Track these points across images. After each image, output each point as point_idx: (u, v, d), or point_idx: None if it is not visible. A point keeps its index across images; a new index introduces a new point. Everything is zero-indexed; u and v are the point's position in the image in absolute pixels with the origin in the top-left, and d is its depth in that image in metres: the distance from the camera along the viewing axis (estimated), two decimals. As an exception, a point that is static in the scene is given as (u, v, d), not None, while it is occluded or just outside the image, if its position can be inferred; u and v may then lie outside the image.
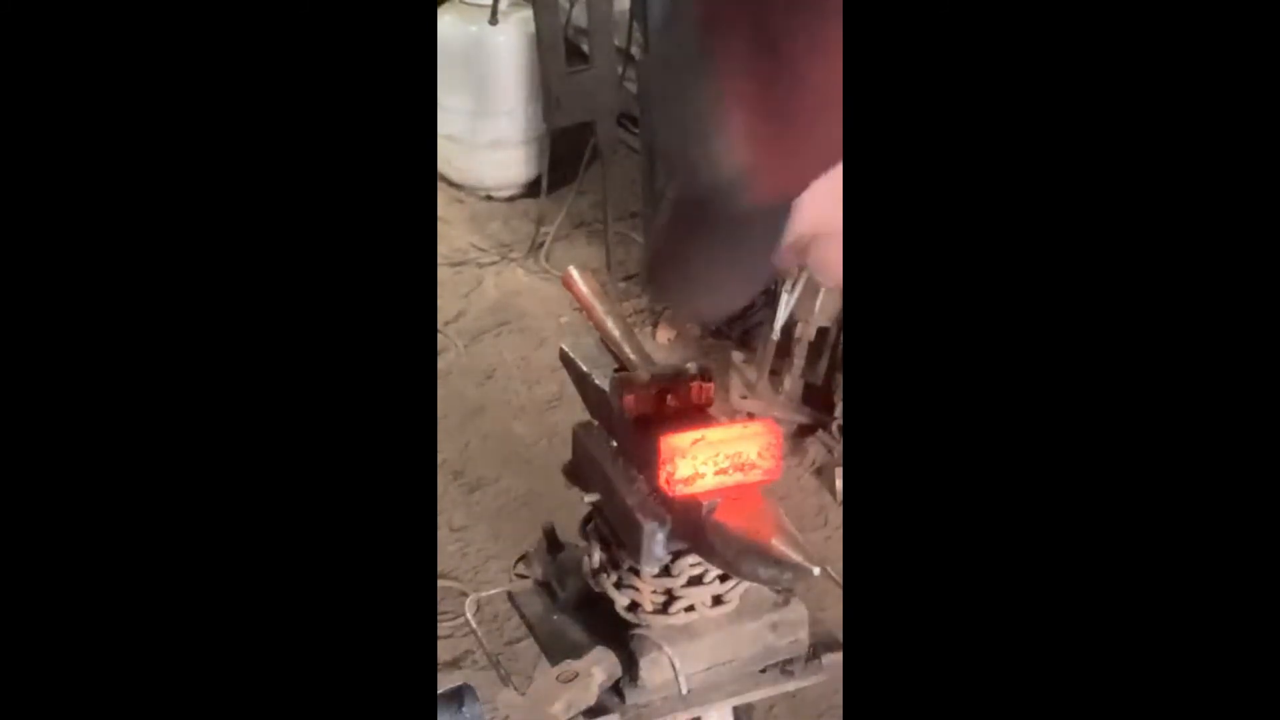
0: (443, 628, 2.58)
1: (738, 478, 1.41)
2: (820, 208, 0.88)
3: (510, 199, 4.45)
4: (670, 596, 1.52)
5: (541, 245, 4.13)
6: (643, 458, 1.47)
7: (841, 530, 2.86)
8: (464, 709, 1.39)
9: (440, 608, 2.56)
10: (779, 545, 1.33)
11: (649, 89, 0.88)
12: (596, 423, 1.61)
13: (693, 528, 1.40)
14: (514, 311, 3.89)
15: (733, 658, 1.55)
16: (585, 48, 3.88)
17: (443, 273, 3.98)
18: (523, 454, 3.28)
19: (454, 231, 4.26)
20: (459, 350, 3.69)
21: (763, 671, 1.57)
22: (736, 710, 1.62)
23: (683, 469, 1.40)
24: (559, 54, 3.75)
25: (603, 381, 1.56)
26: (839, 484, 3.06)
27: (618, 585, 1.54)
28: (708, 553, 1.42)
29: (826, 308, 3.12)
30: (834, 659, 1.56)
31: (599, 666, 1.48)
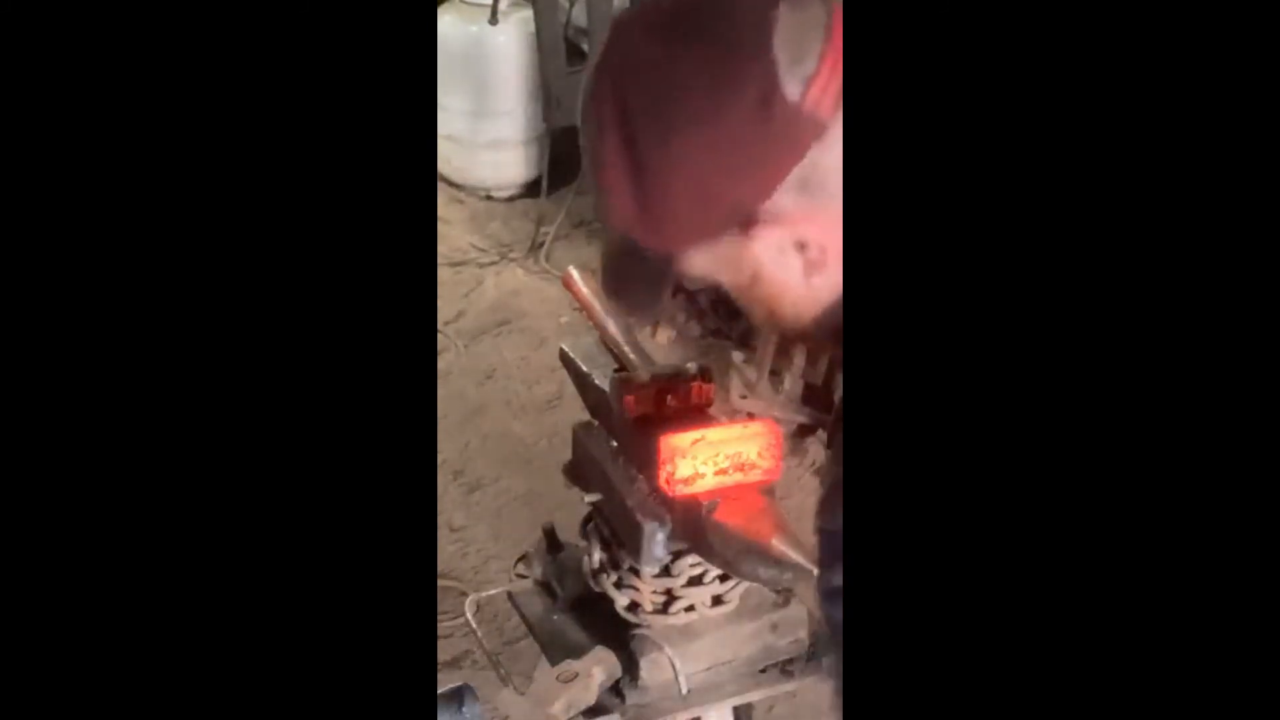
0: (443, 628, 2.58)
1: (738, 478, 1.41)
2: (708, 267, 1.03)
3: (510, 199, 4.44)
4: (670, 596, 1.52)
5: (541, 245, 4.12)
6: (643, 458, 1.47)
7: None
8: (464, 709, 1.39)
9: (440, 608, 2.55)
10: (779, 545, 1.33)
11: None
12: (596, 423, 1.61)
13: (693, 528, 1.40)
14: (514, 311, 3.88)
15: (733, 658, 1.55)
16: (585, 48, 3.88)
17: (443, 273, 3.98)
18: (523, 454, 3.28)
19: (454, 231, 4.25)
20: (459, 350, 3.68)
21: (763, 671, 1.57)
22: (736, 710, 1.62)
23: (683, 469, 1.40)
24: (559, 54, 3.74)
25: (603, 381, 1.56)
26: (839, 484, 3.05)
27: (618, 585, 1.54)
28: (708, 553, 1.42)
29: (827, 308, 3.11)
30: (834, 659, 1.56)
31: (599, 666, 1.48)
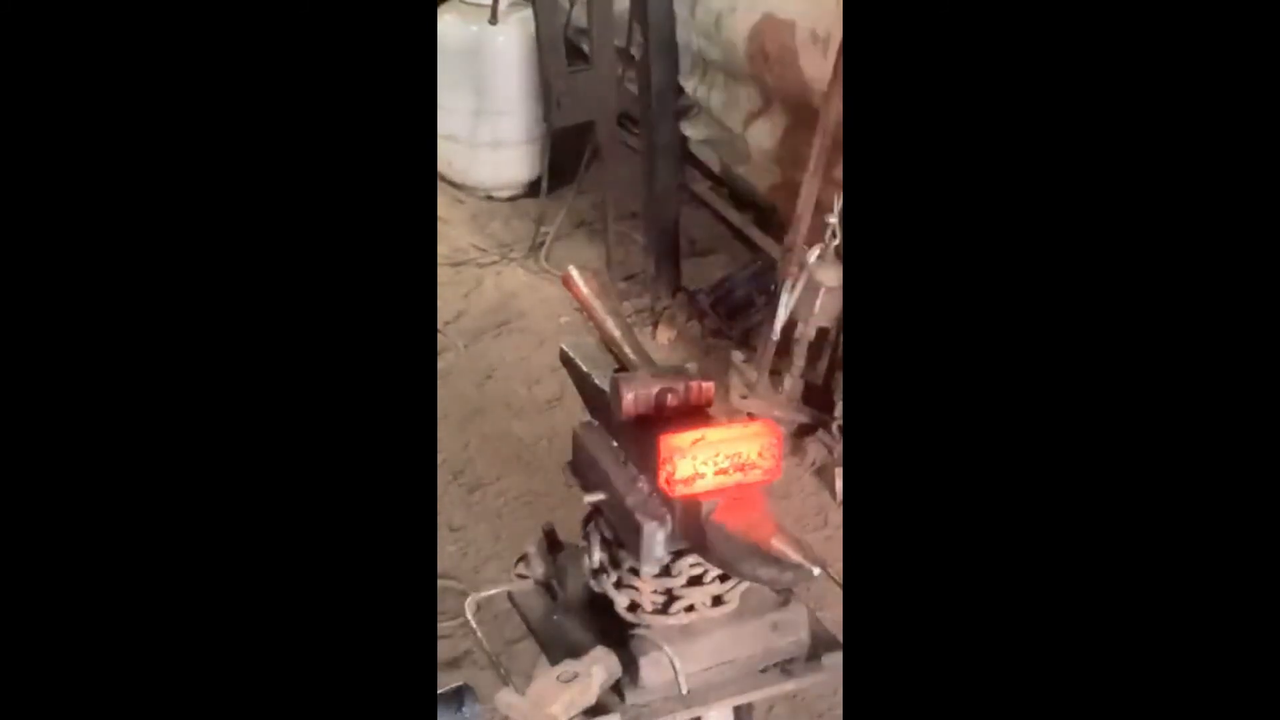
0: (443, 628, 2.58)
1: (738, 478, 1.41)
2: None
3: (510, 199, 4.44)
4: (670, 596, 1.52)
5: (541, 245, 4.13)
6: (643, 458, 1.47)
7: (841, 530, 2.86)
8: (464, 709, 1.39)
9: (440, 608, 2.55)
10: (779, 545, 1.33)
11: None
12: (596, 423, 1.61)
13: (693, 528, 1.41)
14: (514, 311, 3.88)
15: (733, 658, 1.55)
16: (585, 48, 3.88)
17: (443, 273, 3.98)
18: (523, 454, 3.28)
19: (454, 231, 4.25)
20: (459, 350, 3.68)
21: (763, 671, 1.57)
22: (736, 710, 1.62)
23: (683, 469, 1.40)
24: (559, 54, 3.74)
25: (603, 381, 1.56)
26: (839, 484, 3.05)
27: (618, 585, 1.54)
28: (708, 553, 1.42)
29: (826, 308, 3.11)
30: (834, 659, 1.56)
31: (599, 666, 1.47)
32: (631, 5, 3.71)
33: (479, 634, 1.65)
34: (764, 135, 3.78)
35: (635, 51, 3.76)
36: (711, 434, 1.41)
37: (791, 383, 3.24)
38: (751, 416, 2.83)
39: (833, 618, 1.53)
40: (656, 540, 1.45)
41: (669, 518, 1.44)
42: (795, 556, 1.32)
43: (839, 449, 3.12)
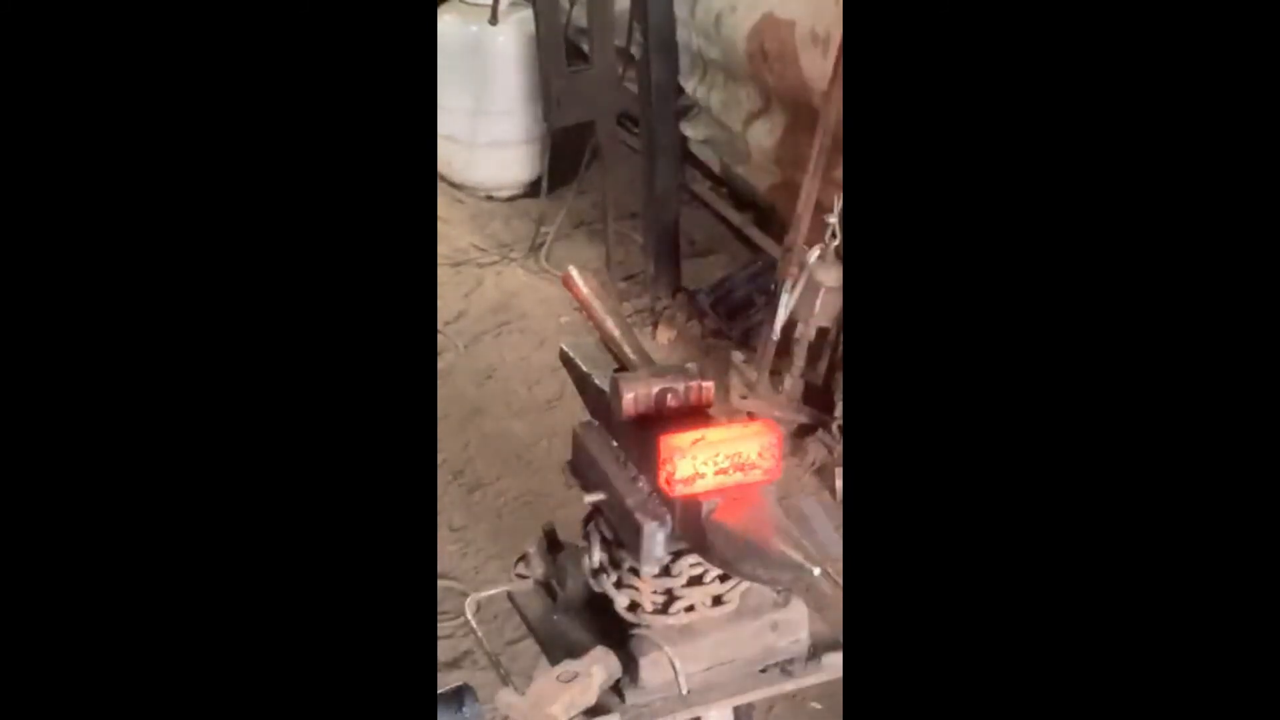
0: (443, 628, 2.58)
1: (738, 478, 1.41)
2: None
3: (510, 199, 4.44)
4: (670, 596, 1.52)
5: (541, 245, 4.13)
6: (643, 458, 1.47)
7: (841, 530, 2.85)
8: (464, 709, 1.39)
9: (440, 608, 2.55)
10: (779, 545, 1.33)
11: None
12: (596, 423, 1.61)
13: (693, 528, 1.41)
14: (514, 311, 3.88)
15: (733, 658, 1.55)
16: (585, 48, 3.88)
17: (443, 273, 3.98)
18: (523, 454, 3.28)
19: (454, 231, 4.25)
20: (459, 350, 3.68)
21: (763, 671, 1.57)
22: (736, 710, 1.62)
23: (683, 469, 1.40)
24: (559, 54, 3.74)
25: (603, 381, 1.56)
26: (839, 484, 3.05)
27: (618, 585, 1.54)
28: (708, 553, 1.42)
29: (826, 308, 3.11)
30: (834, 659, 1.56)
31: (599, 666, 1.47)
32: (631, 5, 3.71)
33: (479, 634, 1.65)
34: (764, 135, 3.78)
35: (635, 51, 3.75)
36: (711, 434, 1.41)
37: (791, 383, 3.24)
38: (751, 416, 2.83)
39: (832, 618, 1.53)
40: (656, 540, 1.45)
41: (669, 518, 1.44)
42: (795, 556, 1.32)
43: (839, 449, 3.12)
